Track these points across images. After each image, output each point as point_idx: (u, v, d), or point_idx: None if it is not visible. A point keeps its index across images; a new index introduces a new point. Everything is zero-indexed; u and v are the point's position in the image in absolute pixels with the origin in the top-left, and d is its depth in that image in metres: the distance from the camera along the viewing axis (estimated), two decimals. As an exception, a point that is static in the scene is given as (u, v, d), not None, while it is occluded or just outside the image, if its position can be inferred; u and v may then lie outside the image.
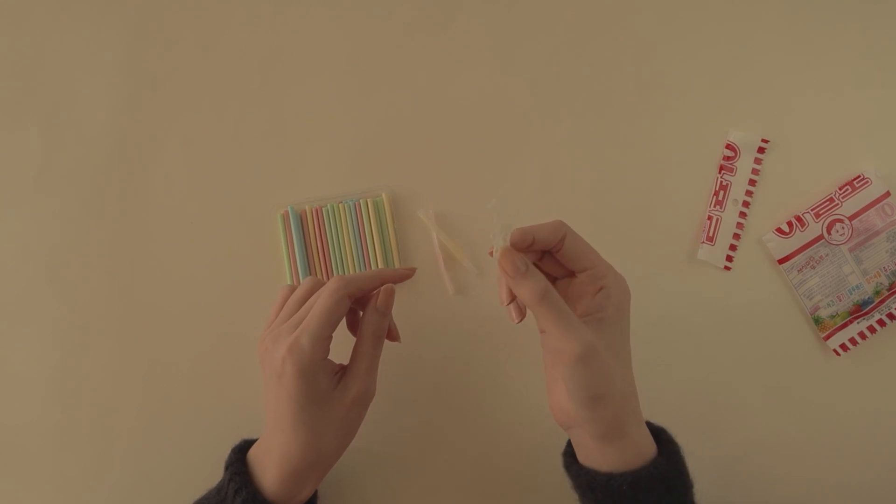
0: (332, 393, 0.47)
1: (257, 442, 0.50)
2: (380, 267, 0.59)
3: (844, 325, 0.60)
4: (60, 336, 0.60)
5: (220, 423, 0.58)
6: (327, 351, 0.47)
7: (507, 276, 0.44)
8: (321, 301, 0.47)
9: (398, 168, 0.61)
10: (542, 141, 0.62)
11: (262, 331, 0.50)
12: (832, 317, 0.60)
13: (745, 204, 0.61)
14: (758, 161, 0.61)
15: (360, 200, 0.60)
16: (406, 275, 0.52)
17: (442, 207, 0.60)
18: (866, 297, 0.60)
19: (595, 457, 0.46)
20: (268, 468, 0.47)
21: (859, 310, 0.60)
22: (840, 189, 0.60)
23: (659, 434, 0.48)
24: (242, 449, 0.50)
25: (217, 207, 0.61)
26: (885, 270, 0.60)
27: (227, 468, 0.49)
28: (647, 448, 0.45)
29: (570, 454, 0.49)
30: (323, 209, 0.59)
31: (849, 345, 0.60)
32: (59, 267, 0.60)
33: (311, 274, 0.59)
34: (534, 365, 0.60)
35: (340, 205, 0.59)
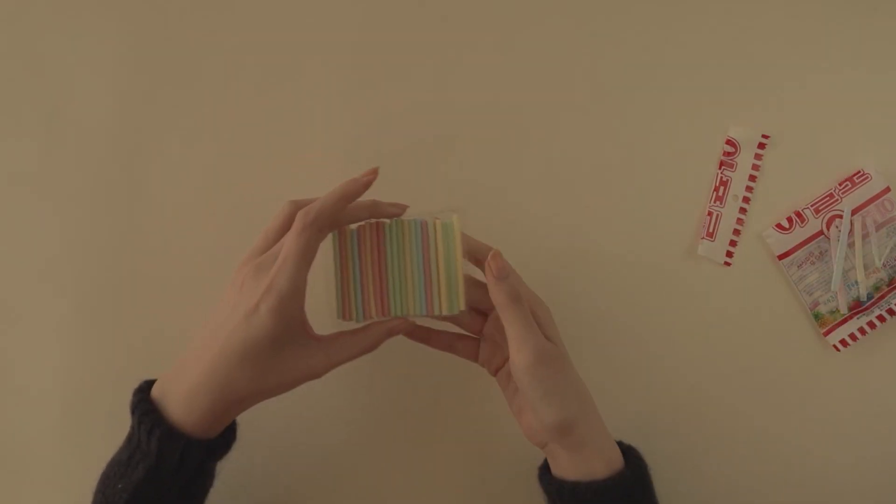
0: (312, 344, 0.47)
1: (165, 376, 0.48)
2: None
3: (844, 321, 0.60)
4: (61, 336, 0.59)
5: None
6: (303, 293, 0.45)
7: (491, 277, 0.46)
8: (290, 243, 0.45)
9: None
10: (541, 137, 0.61)
11: (246, 254, 0.49)
12: (832, 312, 0.60)
13: (746, 199, 0.61)
14: (758, 157, 0.61)
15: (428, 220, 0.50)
16: (371, 180, 0.48)
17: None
18: (866, 293, 0.60)
19: (565, 466, 0.48)
20: (182, 400, 0.45)
21: (859, 305, 0.60)
22: (840, 185, 0.60)
23: (628, 452, 0.50)
24: (144, 389, 0.48)
25: (217, 206, 0.60)
26: (885, 266, 0.60)
27: (133, 411, 0.46)
28: (615, 460, 0.48)
29: (545, 468, 0.51)
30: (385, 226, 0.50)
31: (849, 340, 0.60)
32: (60, 266, 0.60)
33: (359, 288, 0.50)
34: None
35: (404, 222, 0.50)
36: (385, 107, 0.61)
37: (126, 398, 0.58)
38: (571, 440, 0.47)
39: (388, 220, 0.50)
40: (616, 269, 0.60)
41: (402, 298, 0.49)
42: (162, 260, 0.60)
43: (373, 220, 0.49)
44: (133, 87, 0.61)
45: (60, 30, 0.62)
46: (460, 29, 0.62)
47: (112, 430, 0.58)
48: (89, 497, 0.57)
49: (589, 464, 0.47)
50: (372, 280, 0.49)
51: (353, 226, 0.50)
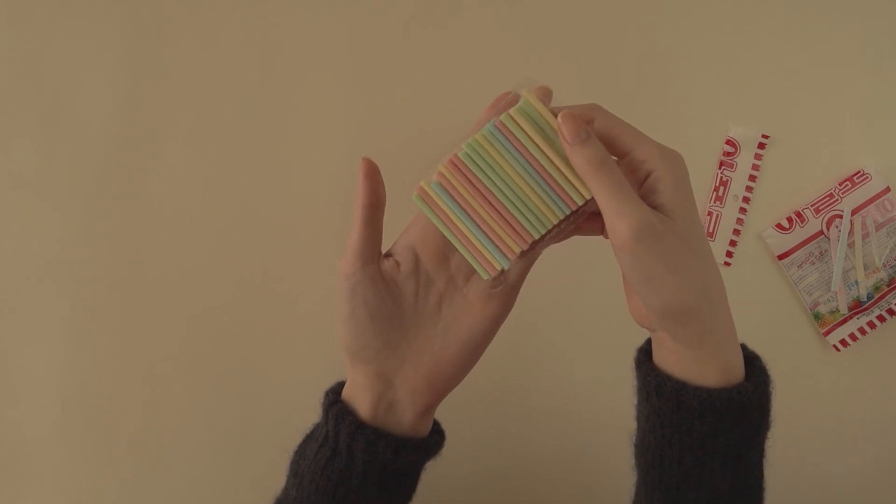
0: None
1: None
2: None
3: (844, 321, 0.60)
4: (61, 336, 0.59)
5: (221, 422, 0.58)
6: (373, 254, 0.41)
7: (565, 142, 0.37)
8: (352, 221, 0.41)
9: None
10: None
11: None
12: (832, 312, 0.60)
13: (745, 199, 0.61)
14: (758, 157, 0.61)
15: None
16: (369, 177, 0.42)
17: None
18: (866, 293, 0.60)
19: (670, 361, 0.39)
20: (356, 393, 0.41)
21: (859, 305, 0.60)
22: (840, 185, 0.60)
23: (750, 361, 0.40)
24: (336, 391, 0.42)
25: (217, 206, 0.60)
26: (885, 266, 0.60)
27: (325, 410, 0.41)
28: (735, 368, 0.38)
29: (644, 352, 0.42)
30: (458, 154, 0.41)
31: (849, 340, 0.60)
32: (60, 266, 0.60)
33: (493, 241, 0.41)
34: (548, 354, 0.60)
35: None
36: (385, 107, 0.61)
37: (126, 397, 0.59)
38: (686, 333, 0.37)
39: (459, 149, 0.41)
40: (617, 270, 0.60)
41: (533, 214, 0.41)
42: (162, 260, 0.60)
43: (444, 160, 0.41)
44: (133, 88, 0.61)
45: (60, 30, 0.62)
46: (460, 28, 0.62)
47: (112, 430, 0.59)
48: (88, 497, 0.58)
49: (701, 366, 0.38)
50: (490, 218, 0.41)
51: (430, 181, 0.42)
